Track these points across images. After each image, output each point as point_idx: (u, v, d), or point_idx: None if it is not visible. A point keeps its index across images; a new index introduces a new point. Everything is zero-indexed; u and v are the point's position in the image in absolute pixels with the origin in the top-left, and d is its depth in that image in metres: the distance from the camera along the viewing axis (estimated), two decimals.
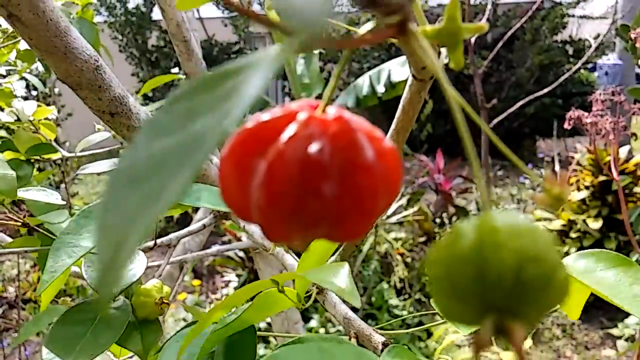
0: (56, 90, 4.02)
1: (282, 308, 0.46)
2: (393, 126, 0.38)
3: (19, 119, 1.01)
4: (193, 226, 0.85)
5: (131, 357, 0.88)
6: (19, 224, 0.72)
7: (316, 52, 3.45)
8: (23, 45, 1.16)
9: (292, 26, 0.14)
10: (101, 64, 0.50)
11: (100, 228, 0.13)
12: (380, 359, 0.40)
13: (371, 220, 0.21)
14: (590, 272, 0.45)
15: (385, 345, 0.46)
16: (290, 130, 0.20)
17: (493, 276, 0.16)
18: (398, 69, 3.56)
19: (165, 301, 0.59)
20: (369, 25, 0.20)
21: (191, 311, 0.60)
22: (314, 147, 0.20)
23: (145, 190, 0.14)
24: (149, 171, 0.14)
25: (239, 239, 2.89)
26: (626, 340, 2.69)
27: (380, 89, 3.47)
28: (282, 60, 0.15)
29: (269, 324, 2.19)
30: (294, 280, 0.47)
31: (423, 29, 0.22)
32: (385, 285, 2.94)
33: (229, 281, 3.33)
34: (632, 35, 1.34)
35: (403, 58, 3.70)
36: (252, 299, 0.42)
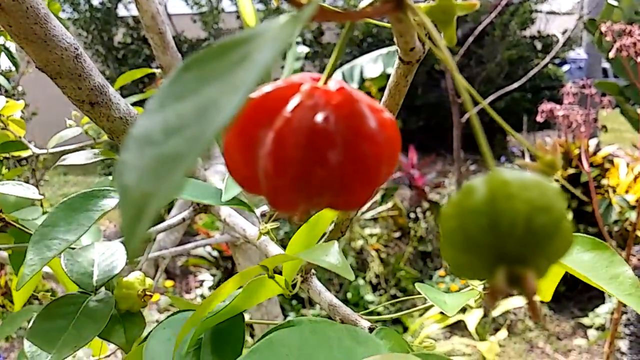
0: (20, 88, 3.90)
1: (270, 295, 0.46)
2: None
3: None
4: (171, 220, 0.84)
5: (108, 356, 0.87)
6: None
7: (297, 50, 3.43)
8: None
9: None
10: (81, 52, 0.49)
11: (121, 189, 0.14)
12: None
13: (374, 189, 0.21)
14: (568, 255, 0.46)
15: (371, 329, 0.47)
16: (295, 100, 0.21)
17: (505, 226, 0.17)
18: (371, 66, 3.57)
19: (148, 293, 0.59)
20: (368, 0, 0.21)
21: (176, 301, 0.60)
22: (319, 116, 0.20)
23: (164, 151, 0.14)
24: (166, 134, 0.14)
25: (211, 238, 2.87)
26: (597, 329, 2.76)
27: (353, 85, 3.48)
28: (296, 28, 0.16)
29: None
30: (279, 271, 0.47)
31: (417, 6, 0.23)
32: (360, 281, 2.96)
33: (203, 281, 3.29)
34: (602, 29, 1.37)
35: (376, 54, 3.71)
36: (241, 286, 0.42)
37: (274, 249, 0.59)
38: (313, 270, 0.56)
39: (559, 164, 0.19)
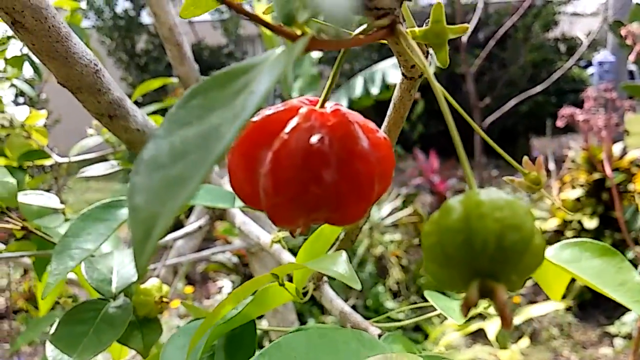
0: (43, 96, 3.94)
1: (281, 302, 0.47)
2: (385, 124, 0.39)
3: (11, 125, 1.00)
4: (189, 227, 0.86)
5: None
6: (18, 227, 0.73)
7: (312, 55, 3.45)
8: (11, 52, 1.16)
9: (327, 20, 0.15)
10: (100, 68, 0.51)
11: (131, 209, 0.15)
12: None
13: (368, 205, 0.22)
14: (575, 262, 0.46)
15: (380, 336, 0.48)
16: (293, 122, 0.22)
17: (478, 243, 0.18)
18: (393, 71, 3.57)
19: (165, 300, 0.61)
20: (361, 28, 0.22)
21: (191, 309, 0.62)
22: (315, 138, 0.22)
23: (171, 174, 0.15)
24: (172, 158, 0.16)
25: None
26: (623, 338, 2.71)
27: (375, 90, 3.46)
28: (290, 60, 0.17)
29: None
30: (290, 278, 0.48)
31: (411, 30, 0.24)
32: (380, 288, 2.94)
33: (223, 287, 3.32)
34: (622, 33, 1.36)
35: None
36: (254, 293, 0.44)
37: (287, 257, 0.60)
38: (325, 278, 0.57)
39: (543, 180, 0.20)
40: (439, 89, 0.22)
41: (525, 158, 0.22)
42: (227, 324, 0.44)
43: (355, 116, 0.23)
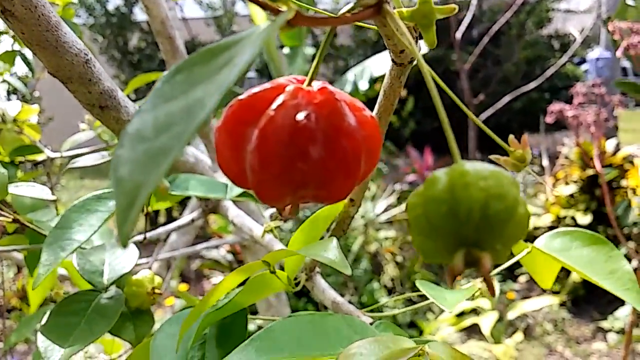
0: (36, 93, 3.91)
1: (273, 290, 0.47)
2: (375, 111, 0.39)
3: (3, 121, 1.00)
4: (181, 220, 0.86)
5: (120, 356, 0.88)
6: (10, 220, 0.72)
7: (304, 52, 3.46)
8: (2, 48, 1.16)
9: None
10: (91, 58, 0.51)
11: (115, 180, 0.15)
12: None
13: (354, 182, 0.22)
14: (565, 251, 0.46)
15: (371, 324, 0.48)
16: (279, 100, 0.22)
17: (463, 212, 0.18)
18: (378, 65, 3.58)
19: (157, 291, 0.60)
20: (348, 6, 0.22)
21: (185, 297, 0.62)
22: (301, 114, 0.22)
23: (154, 146, 0.16)
24: (156, 131, 0.16)
25: None
26: (616, 333, 2.72)
27: (363, 85, 3.47)
28: (273, 31, 0.17)
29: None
30: (282, 268, 0.48)
31: (399, 10, 0.24)
32: (375, 285, 2.95)
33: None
34: (610, 29, 1.37)
35: (385, 54, 3.71)
36: (244, 282, 0.44)
37: (280, 246, 0.60)
38: (317, 269, 0.57)
39: (528, 158, 0.20)
40: (427, 70, 0.22)
41: (511, 136, 0.22)
42: (218, 312, 0.44)
43: (343, 95, 0.23)
